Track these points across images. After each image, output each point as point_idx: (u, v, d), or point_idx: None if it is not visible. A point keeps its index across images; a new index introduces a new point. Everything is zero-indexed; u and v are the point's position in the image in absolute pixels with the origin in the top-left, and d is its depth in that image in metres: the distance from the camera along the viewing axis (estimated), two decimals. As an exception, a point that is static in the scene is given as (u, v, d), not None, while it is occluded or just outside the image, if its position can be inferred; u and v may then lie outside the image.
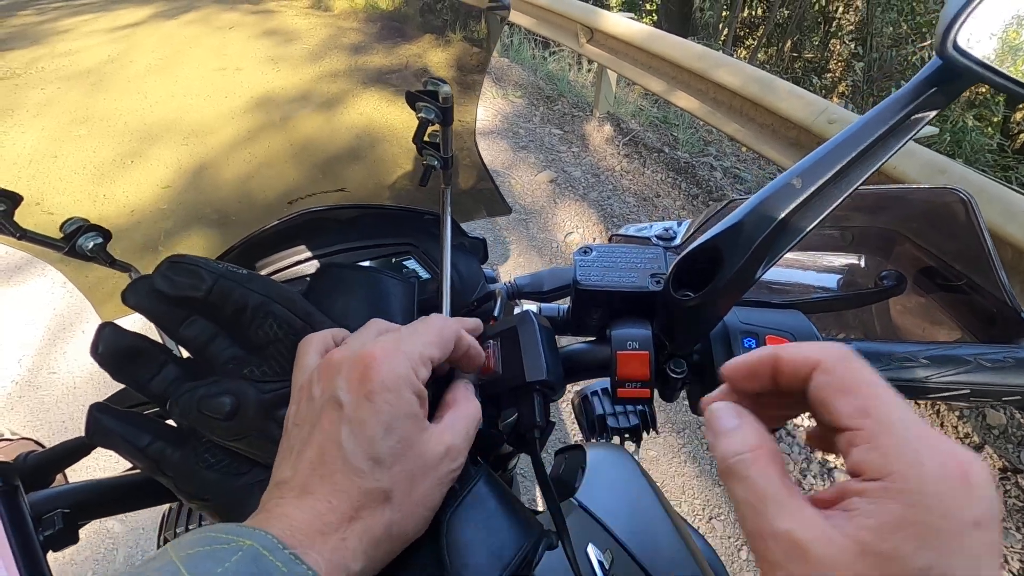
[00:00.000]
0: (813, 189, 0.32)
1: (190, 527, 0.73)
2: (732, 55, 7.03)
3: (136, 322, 0.39)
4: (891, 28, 6.84)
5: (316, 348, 0.35)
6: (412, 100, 0.40)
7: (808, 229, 0.34)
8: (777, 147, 2.64)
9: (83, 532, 0.44)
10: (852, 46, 7.73)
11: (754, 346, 0.37)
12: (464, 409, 0.34)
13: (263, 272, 0.60)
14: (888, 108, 0.32)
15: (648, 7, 10.22)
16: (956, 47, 0.28)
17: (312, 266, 0.60)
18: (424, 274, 0.60)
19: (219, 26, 0.63)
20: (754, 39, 8.52)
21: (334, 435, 0.29)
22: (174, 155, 0.64)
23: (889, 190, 0.51)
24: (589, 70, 5.09)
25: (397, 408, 0.30)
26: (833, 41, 8.22)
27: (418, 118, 0.41)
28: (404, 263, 0.60)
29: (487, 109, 4.32)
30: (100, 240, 0.44)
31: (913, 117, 0.32)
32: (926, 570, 0.19)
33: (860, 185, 0.33)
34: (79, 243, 0.43)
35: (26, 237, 0.40)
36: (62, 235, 0.43)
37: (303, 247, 0.61)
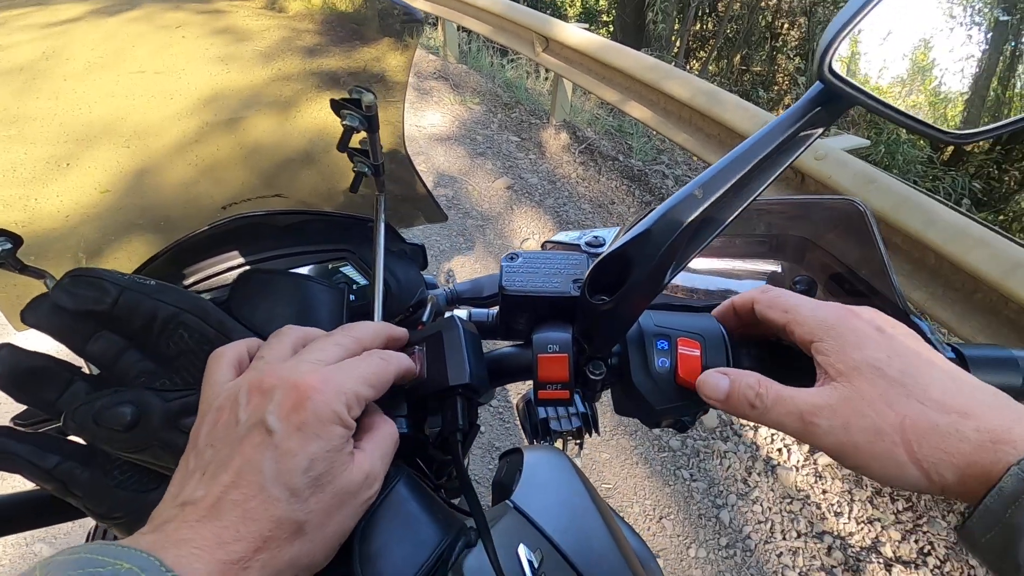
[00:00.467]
0: (713, 199, 0.35)
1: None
2: (685, 67, 7.26)
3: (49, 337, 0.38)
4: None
5: (228, 362, 0.34)
6: (336, 108, 0.41)
7: (712, 237, 0.36)
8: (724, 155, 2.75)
9: (4, 555, 0.42)
10: (796, 61, 8.13)
11: (666, 348, 0.39)
12: (381, 432, 0.34)
13: (193, 278, 0.58)
14: (778, 126, 0.35)
15: (604, 18, 10.46)
16: (832, 72, 0.31)
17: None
18: (361, 280, 0.60)
19: (164, 25, 0.60)
20: (706, 52, 8.84)
21: (256, 461, 0.29)
22: (109, 158, 0.62)
23: (801, 200, 0.54)
24: (546, 78, 5.16)
25: (326, 442, 0.30)
26: (779, 56, 8.62)
27: (343, 125, 0.41)
28: (341, 269, 0.60)
29: (445, 115, 4.32)
30: (9, 246, 0.43)
31: (801, 134, 0.35)
32: (871, 361, 0.32)
33: (758, 195, 0.36)
34: None
35: None
36: None
37: (236, 253, 0.60)
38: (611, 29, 9.38)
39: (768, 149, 0.34)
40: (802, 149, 0.35)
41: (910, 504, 1.84)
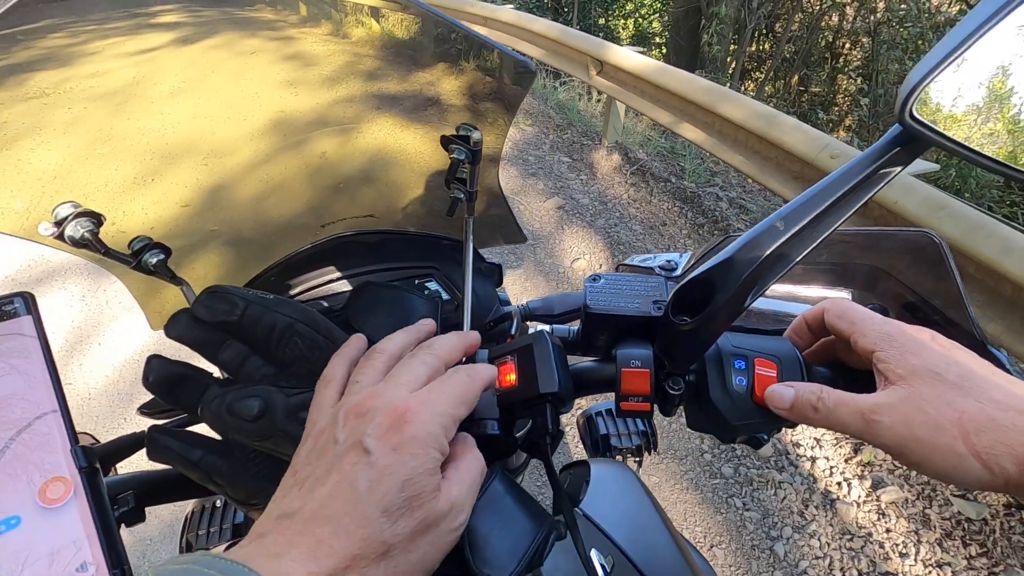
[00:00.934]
0: (794, 231, 0.37)
1: (211, 529, 0.77)
2: (740, 88, 7.16)
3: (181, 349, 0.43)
4: (896, 65, 6.98)
5: (335, 388, 0.37)
6: (446, 143, 0.46)
7: (790, 266, 0.38)
8: (780, 179, 2.71)
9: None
10: (858, 82, 7.88)
11: (743, 367, 0.41)
12: (469, 462, 0.35)
13: (297, 290, 0.65)
14: (859, 163, 0.37)
15: (657, 40, 10.47)
16: (912, 116, 0.33)
17: (342, 285, 0.65)
18: (445, 295, 0.65)
19: (241, 51, 0.64)
20: (762, 72, 8.70)
21: (352, 478, 0.29)
22: (197, 175, 0.67)
23: (874, 231, 0.56)
24: (598, 100, 5.22)
25: (421, 464, 0.30)
26: (840, 76, 8.38)
27: (451, 158, 0.47)
28: (427, 284, 0.65)
29: (498, 136, 4.43)
30: (162, 256, 0.50)
31: (881, 172, 0.37)
32: (929, 366, 0.34)
33: (836, 228, 0.38)
34: (144, 259, 0.49)
35: (108, 254, 0.45)
36: (130, 251, 0.49)
37: (333, 268, 0.66)
38: (664, 51, 9.39)
39: (848, 186, 0.37)
40: (880, 186, 0.37)
41: (985, 550, 1.73)
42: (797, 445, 2.10)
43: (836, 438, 2.11)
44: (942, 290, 0.51)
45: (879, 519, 1.84)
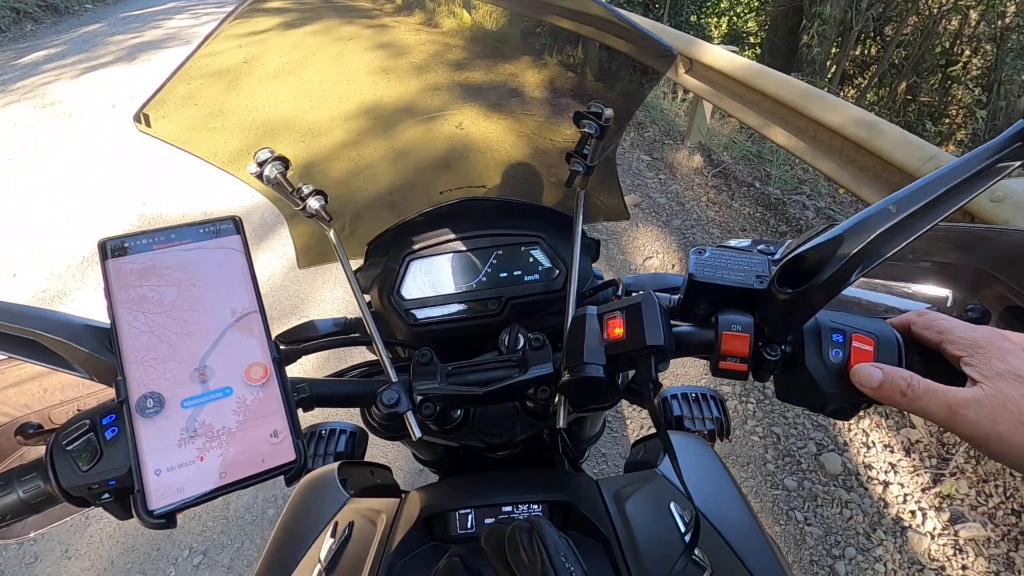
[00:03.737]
0: (905, 215, 0.40)
1: (317, 454, 0.87)
2: (839, 94, 6.75)
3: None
4: (1023, 76, 6.33)
5: None
6: (578, 118, 0.51)
7: (897, 248, 0.41)
8: (877, 191, 2.57)
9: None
10: (976, 92, 7.22)
11: (841, 341, 0.44)
12: None
13: (418, 246, 0.72)
14: (978, 155, 0.39)
15: (752, 40, 10.04)
16: (1039, 111, 0.35)
17: (457, 245, 0.72)
18: (547, 263, 0.71)
19: (376, 37, 0.66)
20: (864, 78, 8.15)
21: None
22: (288, 148, 0.72)
23: (980, 229, 0.56)
24: (684, 100, 5.11)
25: None
26: (955, 86, 7.71)
27: (580, 132, 0.52)
28: (531, 252, 0.71)
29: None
30: (323, 201, 0.58)
31: (999, 165, 0.39)
32: (1014, 370, 0.37)
33: (948, 216, 0.40)
34: (309, 203, 0.58)
35: (292, 193, 0.54)
36: (299, 196, 0.58)
37: (449, 230, 0.74)
38: (758, 51, 8.99)
39: (965, 176, 0.39)
40: (997, 179, 0.39)
41: (1075, 602, 1.60)
42: (869, 467, 2.02)
43: (914, 465, 2.01)
44: (1052, 294, 0.51)
45: (955, 554, 1.74)
